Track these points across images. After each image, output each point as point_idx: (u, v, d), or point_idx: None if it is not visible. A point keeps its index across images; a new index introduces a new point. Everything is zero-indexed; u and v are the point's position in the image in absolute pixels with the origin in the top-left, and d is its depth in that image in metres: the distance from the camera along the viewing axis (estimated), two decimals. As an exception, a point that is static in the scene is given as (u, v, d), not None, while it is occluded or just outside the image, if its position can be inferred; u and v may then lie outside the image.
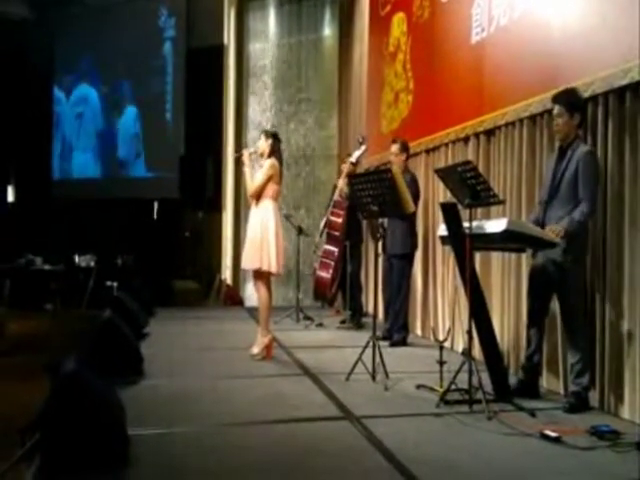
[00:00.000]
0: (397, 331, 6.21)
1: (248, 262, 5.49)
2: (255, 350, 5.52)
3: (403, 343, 6.19)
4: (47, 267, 9.45)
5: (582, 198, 3.92)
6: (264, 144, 5.61)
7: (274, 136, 5.68)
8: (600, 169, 4.03)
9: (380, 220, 5.10)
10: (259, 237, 5.38)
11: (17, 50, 12.08)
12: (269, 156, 5.57)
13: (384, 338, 6.12)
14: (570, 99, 4.07)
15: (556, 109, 4.10)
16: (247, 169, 5.60)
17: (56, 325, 7.89)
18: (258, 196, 5.49)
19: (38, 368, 3.18)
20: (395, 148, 6.23)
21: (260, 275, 5.52)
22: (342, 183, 7.16)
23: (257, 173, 5.56)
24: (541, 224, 4.10)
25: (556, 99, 4.12)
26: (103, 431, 2.92)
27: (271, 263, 5.38)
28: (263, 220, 5.43)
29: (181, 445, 3.29)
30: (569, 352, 4.09)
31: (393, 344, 6.11)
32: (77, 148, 12.47)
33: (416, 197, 5.96)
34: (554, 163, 4.15)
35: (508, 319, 5.11)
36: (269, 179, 5.48)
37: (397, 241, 6.11)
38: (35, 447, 2.85)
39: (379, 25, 8.29)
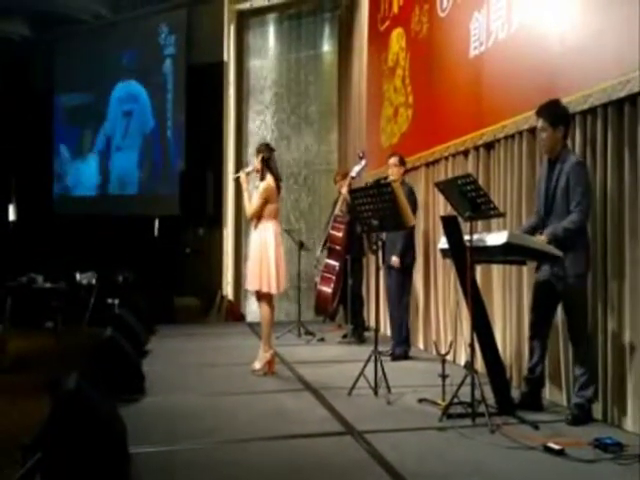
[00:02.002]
0: (399, 345, 6.20)
1: (249, 283, 5.59)
2: (257, 366, 5.52)
3: (405, 357, 6.17)
4: (48, 285, 9.43)
5: (572, 208, 3.93)
6: (256, 161, 5.63)
7: (267, 148, 5.67)
8: (590, 178, 4.04)
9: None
10: (259, 258, 5.43)
11: (17, 69, 12.18)
12: (263, 174, 5.56)
13: (391, 354, 6.12)
14: (552, 112, 4.06)
15: (540, 123, 4.09)
16: (245, 193, 5.63)
17: (57, 343, 7.86)
18: (257, 218, 5.52)
19: (39, 386, 3.17)
20: (395, 159, 6.25)
21: (262, 295, 5.55)
22: (345, 192, 7.10)
23: (253, 194, 5.58)
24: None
25: (539, 113, 4.10)
26: (104, 449, 2.91)
27: (271, 284, 5.42)
28: (262, 241, 5.46)
29: (183, 462, 3.29)
30: (574, 365, 4.07)
31: (395, 358, 6.09)
32: (81, 164, 12.55)
33: (414, 209, 5.95)
34: (545, 177, 4.14)
35: (510, 332, 5.10)
36: (265, 202, 5.49)
37: (396, 254, 6.09)
38: (36, 466, 2.84)
39: (378, 40, 8.34)
